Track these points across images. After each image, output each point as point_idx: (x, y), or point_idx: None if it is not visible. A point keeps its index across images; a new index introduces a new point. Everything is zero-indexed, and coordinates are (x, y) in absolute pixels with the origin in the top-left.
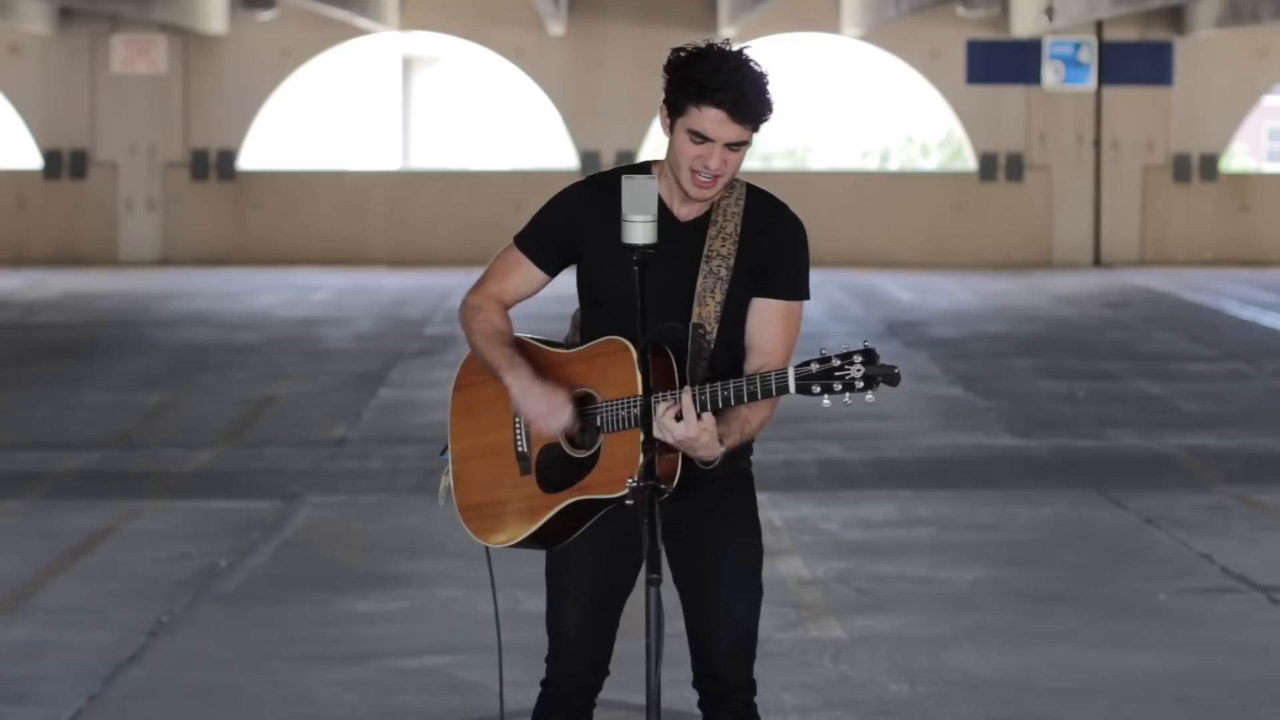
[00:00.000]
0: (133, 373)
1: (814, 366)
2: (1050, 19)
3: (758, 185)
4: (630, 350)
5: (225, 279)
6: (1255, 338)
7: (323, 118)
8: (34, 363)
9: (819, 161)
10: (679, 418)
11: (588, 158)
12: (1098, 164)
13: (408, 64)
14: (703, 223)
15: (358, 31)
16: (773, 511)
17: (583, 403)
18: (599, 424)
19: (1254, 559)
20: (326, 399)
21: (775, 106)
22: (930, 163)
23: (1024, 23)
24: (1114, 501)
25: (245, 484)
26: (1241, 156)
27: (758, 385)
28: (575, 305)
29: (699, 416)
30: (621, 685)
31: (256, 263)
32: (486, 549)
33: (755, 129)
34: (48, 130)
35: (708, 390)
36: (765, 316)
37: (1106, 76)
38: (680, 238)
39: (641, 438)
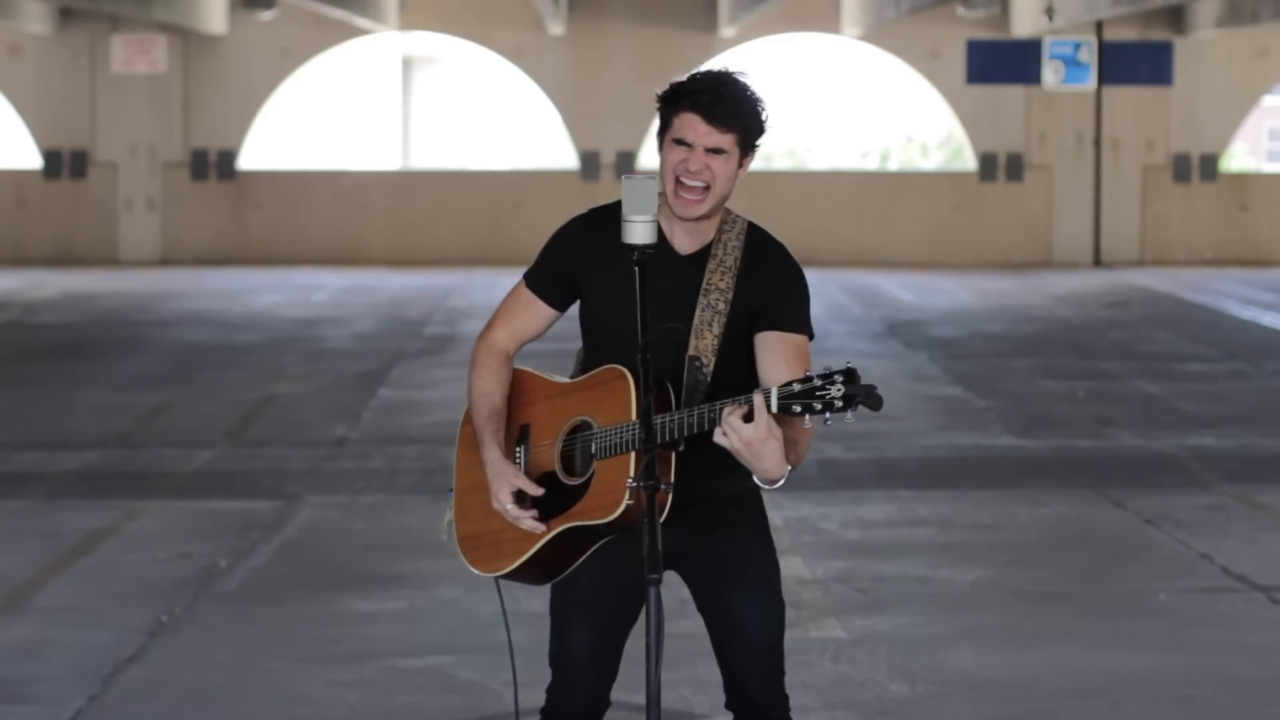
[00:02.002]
0: (133, 373)
1: (795, 386)
2: (1050, 19)
3: (758, 225)
4: (627, 377)
5: (225, 279)
6: (1255, 338)
7: (323, 118)
8: (34, 363)
9: (819, 161)
10: (748, 419)
11: (587, 158)
12: (1098, 164)
13: (408, 64)
14: (703, 255)
15: (358, 31)
16: (773, 512)
17: (579, 430)
18: (593, 451)
19: (1254, 559)
20: (326, 399)
21: (758, 117)
22: (930, 163)
23: (1024, 23)
24: (1114, 501)
25: (245, 484)
26: (1241, 156)
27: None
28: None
29: (768, 417)
30: (621, 685)
31: (256, 263)
32: (496, 580)
33: (738, 136)
34: (48, 130)
35: (695, 413)
36: (777, 348)
37: (1106, 76)
38: (680, 270)
39: (642, 436)
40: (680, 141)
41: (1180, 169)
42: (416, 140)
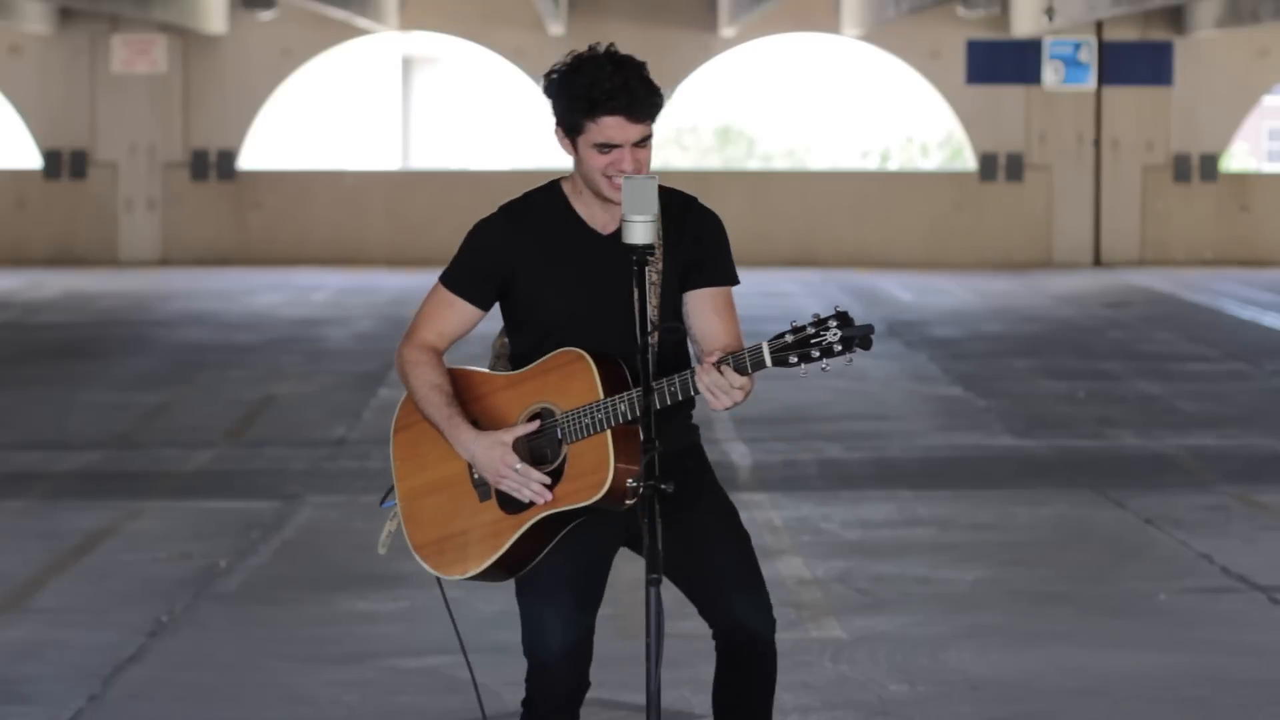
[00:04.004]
0: (133, 373)
1: (788, 337)
2: (1050, 19)
3: (668, 186)
4: (586, 359)
5: (225, 279)
6: (1255, 338)
7: (323, 118)
8: (34, 363)
9: (819, 161)
10: (738, 370)
11: None
12: (1098, 164)
13: (408, 64)
14: None
15: (358, 31)
16: (773, 511)
17: (540, 417)
18: (560, 436)
19: (1254, 559)
20: (326, 399)
21: (659, 91)
22: (930, 163)
23: (1024, 23)
24: (1114, 501)
25: (245, 484)
26: (1242, 156)
27: (732, 364)
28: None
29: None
30: (621, 685)
31: (256, 263)
32: (439, 580)
33: (652, 119)
34: (48, 130)
35: (677, 381)
36: (709, 304)
37: (1106, 76)
38: (607, 250)
39: (642, 437)
40: (606, 146)
41: (1180, 169)
42: (416, 140)
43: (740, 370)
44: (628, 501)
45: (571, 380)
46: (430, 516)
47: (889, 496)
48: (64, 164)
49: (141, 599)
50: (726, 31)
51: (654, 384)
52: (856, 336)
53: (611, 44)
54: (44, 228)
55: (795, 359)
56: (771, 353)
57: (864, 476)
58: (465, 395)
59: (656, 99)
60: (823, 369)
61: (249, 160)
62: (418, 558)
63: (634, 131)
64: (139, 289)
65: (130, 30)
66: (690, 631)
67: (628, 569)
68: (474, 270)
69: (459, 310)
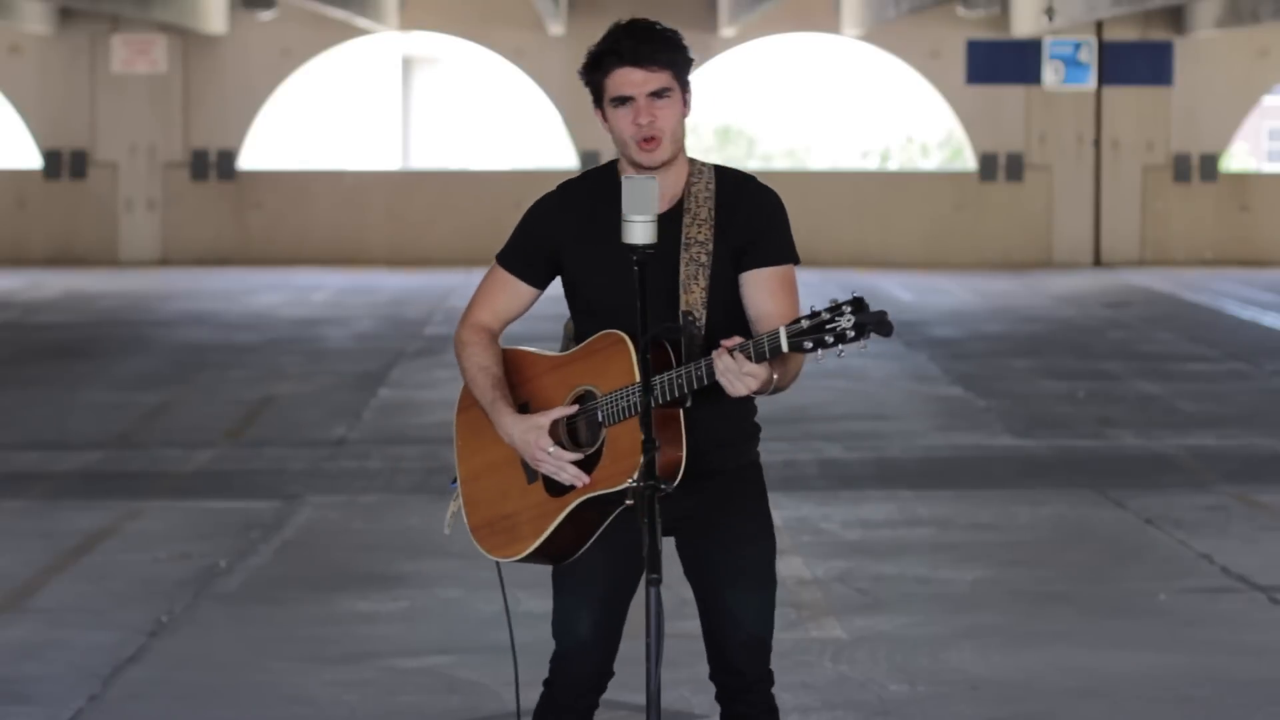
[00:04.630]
0: (133, 373)
1: (804, 323)
2: (1050, 19)
3: (725, 166)
4: (625, 341)
5: (225, 279)
6: (1255, 338)
7: (323, 118)
8: (34, 363)
9: (819, 161)
10: (756, 356)
11: (588, 157)
12: (1098, 164)
13: (408, 64)
14: (677, 212)
15: (358, 31)
16: (773, 511)
17: (583, 400)
18: (600, 419)
19: (1254, 559)
20: (326, 399)
21: (682, 46)
22: (930, 163)
23: (1024, 23)
24: (1114, 501)
25: (245, 484)
26: (1242, 156)
27: (750, 350)
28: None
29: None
30: (621, 685)
31: (256, 263)
32: (498, 565)
33: (672, 72)
34: (48, 130)
35: (702, 365)
36: (763, 285)
37: (1106, 76)
38: (657, 230)
39: (642, 437)
40: (621, 100)
41: (1180, 169)
42: (416, 140)
43: (759, 356)
44: (628, 501)
45: (611, 363)
46: (485, 498)
47: (889, 496)
48: (64, 164)
49: (141, 599)
50: (726, 31)
51: (677, 370)
52: (871, 322)
53: (637, 17)
54: (44, 228)
55: (811, 344)
56: (789, 338)
57: (864, 476)
58: (516, 378)
59: (662, 46)
60: (839, 354)
61: (249, 160)
62: (473, 540)
63: (644, 79)
64: (139, 289)
65: (130, 30)
66: (690, 631)
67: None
68: (524, 248)
69: (513, 288)
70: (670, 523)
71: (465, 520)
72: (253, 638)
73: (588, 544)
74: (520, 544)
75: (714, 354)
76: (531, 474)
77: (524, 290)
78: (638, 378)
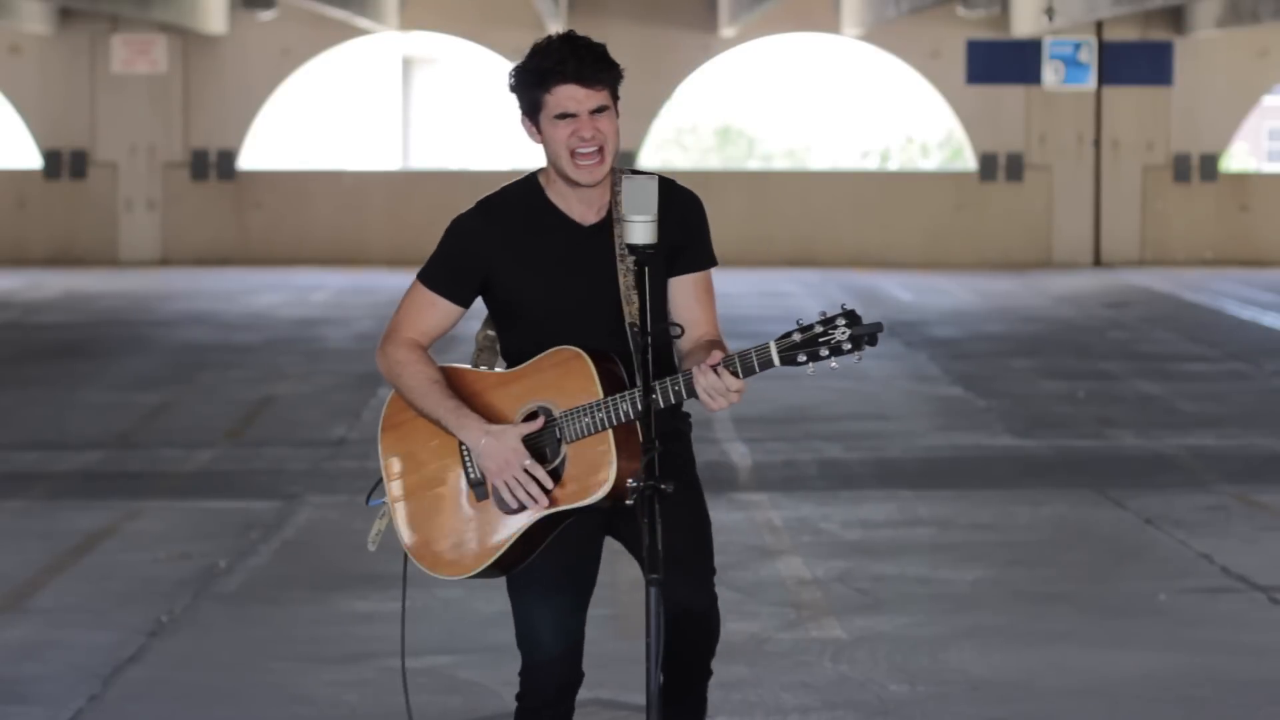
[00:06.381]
0: (133, 373)
1: (796, 336)
2: (1050, 19)
3: (632, 170)
4: (583, 357)
5: (225, 279)
6: (1255, 338)
7: (323, 118)
8: (34, 363)
9: (819, 161)
10: (745, 371)
11: None
12: (1098, 164)
13: (408, 64)
14: (605, 224)
15: (358, 31)
16: (772, 511)
17: (534, 417)
18: (558, 435)
19: (1254, 559)
20: (326, 399)
21: (615, 64)
22: (930, 163)
23: (1024, 23)
24: (1114, 501)
25: (245, 484)
26: (1242, 156)
27: (737, 365)
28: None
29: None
30: (621, 685)
31: (256, 263)
32: (405, 559)
33: (609, 89)
34: (48, 130)
35: (682, 380)
36: (690, 291)
37: (1106, 76)
38: (587, 242)
39: (642, 438)
40: (563, 115)
41: (1180, 169)
42: (416, 140)
43: (748, 371)
44: (628, 501)
45: (569, 378)
46: (423, 516)
47: (889, 496)
48: (64, 164)
49: (141, 599)
50: (726, 31)
51: (656, 384)
52: (865, 334)
53: (571, 30)
54: (44, 228)
55: (804, 358)
56: (780, 352)
57: (864, 476)
58: (458, 395)
59: (606, 65)
60: (832, 368)
61: (249, 160)
62: (412, 559)
63: (588, 98)
64: (139, 289)
65: (130, 30)
66: None
67: (627, 569)
68: (452, 268)
69: (439, 308)
70: (613, 522)
71: (402, 539)
72: (252, 638)
73: (536, 552)
74: (468, 563)
75: (695, 370)
76: (482, 491)
77: (451, 310)
78: (600, 393)
